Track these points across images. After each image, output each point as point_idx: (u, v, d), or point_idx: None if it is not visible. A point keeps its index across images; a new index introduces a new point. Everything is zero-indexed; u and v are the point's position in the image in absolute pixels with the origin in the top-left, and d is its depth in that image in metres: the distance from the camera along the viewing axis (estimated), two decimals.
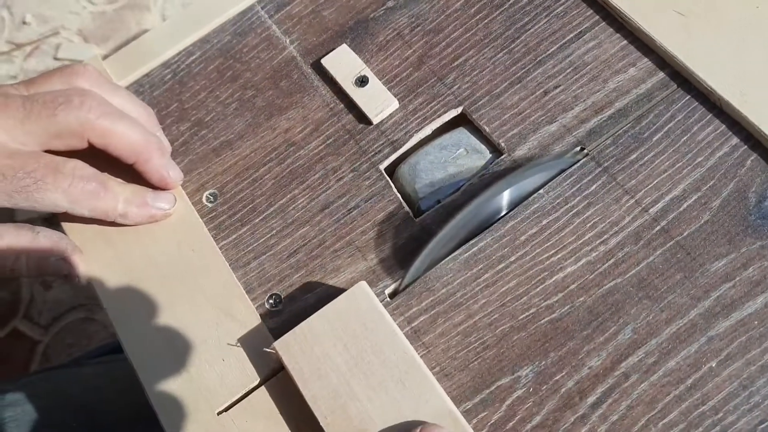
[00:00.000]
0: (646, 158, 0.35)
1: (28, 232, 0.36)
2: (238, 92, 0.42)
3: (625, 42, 0.38)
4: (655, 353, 0.31)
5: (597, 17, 0.39)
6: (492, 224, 0.35)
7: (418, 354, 0.33)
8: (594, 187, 0.35)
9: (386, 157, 0.38)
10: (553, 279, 0.33)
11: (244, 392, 0.34)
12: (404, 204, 0.37)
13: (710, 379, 0.31)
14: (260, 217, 0.38)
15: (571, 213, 0.35)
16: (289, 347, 0.32)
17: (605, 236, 0.34)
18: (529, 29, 0.40)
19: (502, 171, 0.37)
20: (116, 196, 0.37)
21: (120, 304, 0.36)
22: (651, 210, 0.34)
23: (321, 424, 0.31)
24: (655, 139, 0.36)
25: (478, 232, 0.35)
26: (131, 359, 0.35)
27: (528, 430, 0.31)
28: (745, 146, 0.34)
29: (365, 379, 0.31)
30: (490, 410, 0.32)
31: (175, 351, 0.35)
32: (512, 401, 0.32)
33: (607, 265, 0.33)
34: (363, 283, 0.33)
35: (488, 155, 0.38)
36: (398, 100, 0.40)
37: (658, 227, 0.34)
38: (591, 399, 0.31)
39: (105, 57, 0.45)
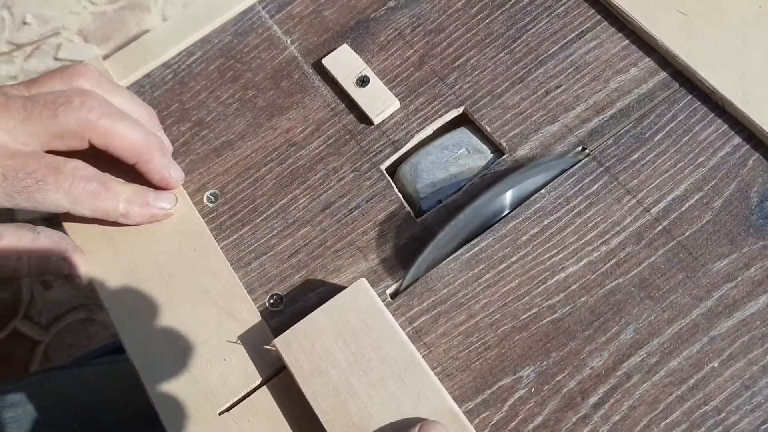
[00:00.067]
0: (647, 158, 0.35)
1: (29, 232, 0.36)
2: (239, 92, 0.42)
3: (626, 42, 0.38)
4: (657, 353, 0.31)
5: (598, 17, 0.39)
6: (493, 224, 0.35)
7: (420, 354, 0.33)
8: (595, 187, 0.35)
9: (387, 157, 0.38)
10: (555, 279, 0.33)
11: (245, 392, 0.34)
12: (405, 204, 0.37)
13: (712, 379, 0.31)
14: (261, 218, 0.38)
15: (572, 213, 0.35)
16: (289, 344, 0.32)
17: (607, 236, 0.34)
18: (531, 29, 0.40)
19: (503, 171, 0.37)
20: (117, 195, 0.37)
21: (121, 304, 0.36)
22: (653, 210, 0.34)
23: (321, 421, 0.31)
24: (656, 138, 0.35)
25: (479, 232, 0.35)
26: (133, 359, 0.35)
27: (530, 431, 0.31)
28: (747, 146, 0.34)
29: (365, 376, 0.31)
30: (491, 410, 0.32)
31: (177, 351, 0.35)
32: (514, 401, 0.32)
33: (608, 265, 0.33)
34: (363, 280, 0.33)
35: (489, 155, 0.38)
36: (399, 100, 0.39)
37: (659, 227, 0.34)
38: (593, 399, 0.31)
39: (105, 57, 0.45)
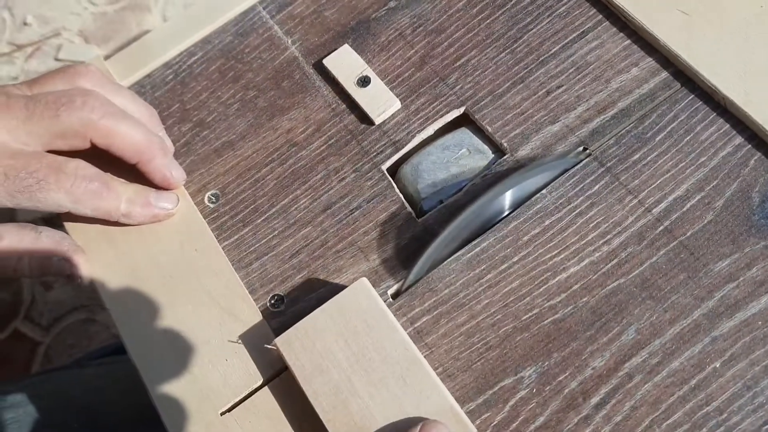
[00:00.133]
0: (649, 158, 0.35)
1: (31, 232, 0.36)
2: (239, 93, 0.42)
3: (628, 42, 0.38)
4: (658, 354, 0.31)
5: (600, 17, 0.39)
6: (495, 224, 0.35)
7: (421, 354, 0.33)
8: (597, 187, 0.35)
9: (388, 157, 0.38)
10: (556, 279, 0.33)
11: (247, 392, 0.34)
12: (406, 204, 0.37)
13: (714, 379, 0.30)
14: (262, 218, 0.38)
15: (573, 213, 0.35)
16: (290, 344, 0.32)
17: (608, 236, 0.34)
18: (532, 29, 0.40)
19: (504, 171, 0.37)
20: (119, 195, 0.37)
21: (123, 305, 0.36)
22: (654, 210, 0.34)
23: (322, 420, 0.30)
24: (658, 139, 0.35)
25: (480, 233, 0.35)
26: (134, 359, 0.35)
27: (531, 431, 0.31)
28: (749, 146, 0.34)
29: (366, 375, 0.31)
30: (493, 411, 0.32)
31: (178, 351, 0.35)
32: (515, 402, 0.32)
33: (610, 265, 0.33)
34: (364, 280, 0.33)
35: (491, 155, 0.38)
36: (400, 100, 0.39)
37: (661, 227, 0.34)
38: (594, 400, 0.31)
39: (106, 58, 0.45)
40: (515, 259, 0.34)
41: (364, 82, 0.40)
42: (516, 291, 0.34)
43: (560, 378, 0.32)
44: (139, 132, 0.37)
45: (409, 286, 0.35)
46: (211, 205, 0.39)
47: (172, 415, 0.33)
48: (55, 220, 0.40)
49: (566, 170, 0.36)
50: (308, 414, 0.31)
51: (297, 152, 0.39)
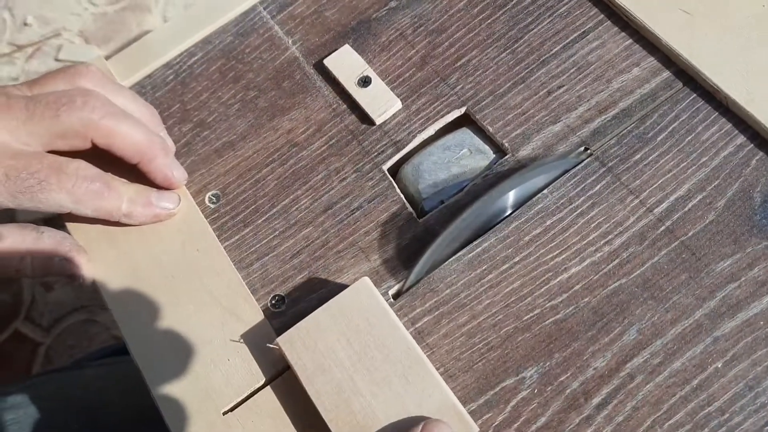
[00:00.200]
0: (650, 158, 0.35)
1: (32, 232, 0.36)
2: (240, 93, 0.42)
3: (629, 41, 0.38)
4: (660, 354, 0.31)
5: (601, 16, 0.39)
6: (496, 225, 0.35)
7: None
8: (598, 187, 0.35)
9: (389, 157, 0.38)
10: (558, 279, 0.33)
11: (249, 392, 0.33)
12: (407, 205, 0.37)
13: (716, 379, 0.30)
14: (263, 218, 0.38)
15: (575, 213, 0.35)
16: (292, 343, 0.32)
17: (610, 236, 0.34)
18: (533, 29, 0.40)
19: (505, 171, 0.37)
20: (120, 195, 0.37)
21: (124, 305, 0.36)
22: (656, 210, 0.34)
23: (324, 419, 0.30)
24: (659, 139, 0.35)
25: (481, 233, 0.35)
26: (136, 359, 0.35)
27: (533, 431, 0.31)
28: (751, 145, 0.34)
29: (369, 374, 0.31)
30: (494, 411, 0.31)
31: (181, 351, 0.35)
32: (517, 402, 0.32)
33: (611, 265, 0.33)
34: (366, 279, 0.33)
35: (492, 155, 0.38)
36: (401, 100, 0.39)
37: (662, 227, 0.34)
38: (596, 400, 0.31)
39: (107, 58, 0.45)
40: (516, 259, 0.34)
41: (364, 82, 0.40)
42: (517, 291, 0.33)
43: (562, 378, 0.32)
44: (140, 132, 0.37)
45: (410, 287, 0.35)
46: (212, 206, 0.39)
47: (174, 415, 0.33)
48: (56, 221, 0.40)
49: (567, 170, 0.36)
50: (310, 414, 0.31)
51: (298, 152, 0.39)
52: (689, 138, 0.35)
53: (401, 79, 0.40)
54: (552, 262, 0.34)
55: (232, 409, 0.33)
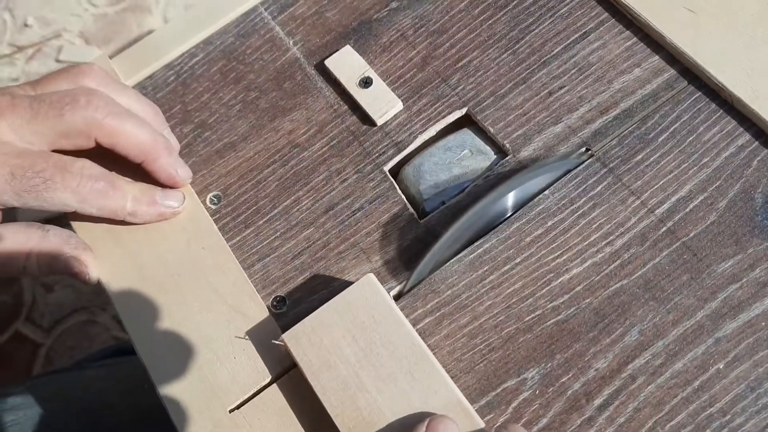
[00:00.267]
0: (651, 159, 0.35)
1: (38, 230, 0.36)
2: (241, 94, 0.42)
3: (630, 42, 0.38)
4: (661, 355, 0.31)
5: (602, 17, 0.39)
6: (497, 226, 0.35)
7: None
8: (599, 188, 0.35)
9: (390, 158, 0.38)
10: (559, 280, 0.33)
11: (255, 390, 0.34)
12: (409, 205, 0.37)
13: (718, 380, 0.30)
14: (264, 219, 0.38)
15: (576, 214, 0.35)
16: (297, 339, 0.32)
17: (611, 237, 0.34)
18: (534, 30, 0.40)
19: (507, 172, 0.37)
20: (125, 194, 0.37)
21: (130, 303, 0.36)
22: (657, 211, 0.34)
23: (330, 415, 0.30)
24: (660, 139, 0.35)
25: (483, 234, 0.35)
26: (142, 358, 0.35)
27: None
28: (753, 146, 0.34)
29: (374, 370, 0.31)
30: (496, 412, 0.31)
31: (186, 349, 0.35)
32: (518, 403, 0.31)
33: (613, 266, 0.33)
34: (371, 275, 0.33)
35: (493, 156, 0.38)
36: (402, 101, 0.39)
37: (664, 228, 0.34)
38: (598, 401, 0.31)
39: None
40: (518, 260, 0.34)
41: (365, 83, 0.40)
42: (519, 292, 0.33)
43: (563, 379, 0.32)
44: (143, 131, 0.37)
45: (412, 288, 0.35)
46: (213, 207, 0.39)
47: (180, 413, 0.33)
48: (59, 222, 0.40)
49: (569, 171, 0.36)
50: (317, 411, 0.31)
51: (299, 153, 0.39)
52: (690, 139, 0.35)
53: (402, 79, 0.40)
54: (553, 263, 0.34)
55: (238, 407, 0.33)
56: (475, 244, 0.35)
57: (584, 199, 0.35)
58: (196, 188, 0.40)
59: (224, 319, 0.35)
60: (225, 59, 0.43)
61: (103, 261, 0.38)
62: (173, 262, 0.37)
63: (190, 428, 0.33)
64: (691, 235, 0.33)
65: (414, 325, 0.34)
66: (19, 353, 0.91)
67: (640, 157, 0.35)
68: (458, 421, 0.29)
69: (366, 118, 0.39)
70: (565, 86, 0.38)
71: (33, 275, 0.36)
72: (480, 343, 0.33)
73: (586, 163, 0.36)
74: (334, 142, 0.39)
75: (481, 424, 0.30)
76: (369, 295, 0.33)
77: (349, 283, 0.34)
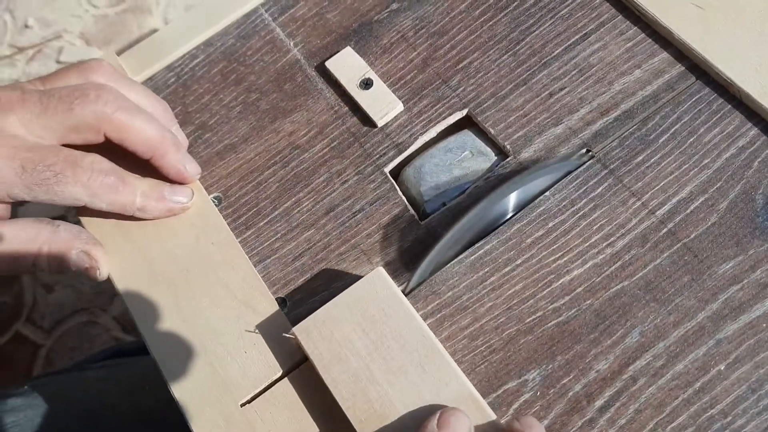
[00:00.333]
0: (652, 160, 0.35)
1: (48, 225, 0.36)
2: (242, 95, 0.42)
3: (630, 44, 0.38)
4: (663, 356, 0.31)
5: (602, 19, 0.39)
6: (498, 227, 0.35)
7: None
8: (600, 189, 0.35)
9: (391, 159, 0.38)
10: (560, 282, 0.33)
11: (267, 384, 0.34)
12: (409, 207, 0.37)
13: (719, 382, 0.30)
14: (265, 221, 0.38)
15: (577, 215, 0.35)
16: (308, 332, 0.32)
17: (612, 239, 0.34)
18: (534, 31, 0.40)
19: (507, 173, 0.37)
20: (134, 189, 0.37)
21: (140, 299, 0.36)
22: (658, 212, 0.34)
23: (342, 407, 0.31)
24: (661, 141, 0.35)
25: (483, 235, 0.35)
26: (153, 353, 0.35)
27: None
28: (753, 147, 0.34)
29: (385, 363, 0.31)
30: (497, 414, 0.31)
31: (197, 344, 0.35)
32: (519, 405, 0.31)
33: (613, 267, 0.33)
34: (380, 269, 0.33)
35: (493, 158, 0.38)
36: (403, 102, 0.39)
37: (665, 229, 0.34)
38: (599, 403, 0.31)
39: None
40: (518, 261, 0.34)
41: (366, 84, 0.40)
42: (519, 294, 0.33)
43: (564, 381, 0.31)
44: (152, 127, 0.37)
45: (412, 289, 0.35)
46: None
47: (191, 408, 0.33)
48: (65, 220, 0.40)
49: (569, 172, 0.36)
50: (327, 405, 0.32)
51: (299, 155, 0.39)
52: (691, 140, 0.35)
53: (403, 81, 0.40)
54: (554, 265, 0.34)
55: (249, 401, 0.33)
56: (476, 245, 0.35)
57: (585, 200, 0.35)
58: None
59: (234, 314, 0.35)
60: (225, 61, 0.43)
61: (113, 257, 0.38)
62: (182, 257, 0.37)
63: (201, 423, 0.33)
64: (692, 236, 0.33)
65: None
66: (19, 354, 0.91)
67: (640, 158, 0.35)
68: (470, 414, 0.29)
69: (367, 120, 0.39)
70: (565, 87, 0.38)
71: (43, 271, 0.36)
72: (481, 345, 0.33)
73: (587, 164, 0.36)
74: (335, 143, 0.39)
75: (493, 416, 0.30)
76: (379, 288, 0.33)
77: (350, 283, 0.34)
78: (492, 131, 0.38)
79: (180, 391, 0.34)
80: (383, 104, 0.39)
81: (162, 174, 0.38)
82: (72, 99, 0.35)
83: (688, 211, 0.34)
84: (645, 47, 0.38)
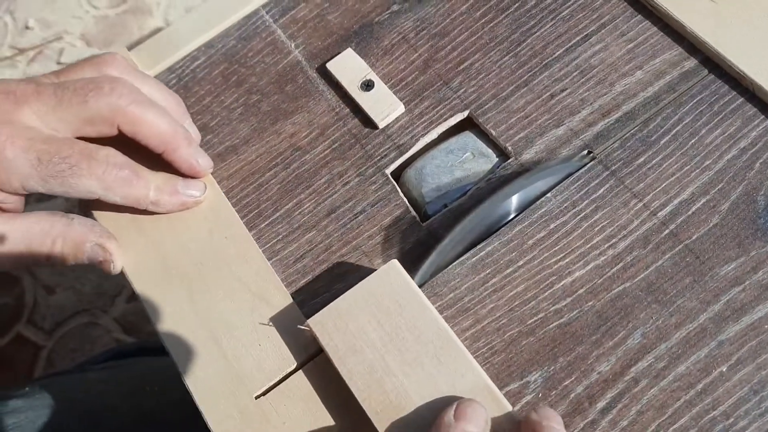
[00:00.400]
0: (653, 161, 0.35)
1: (62, 218, 0.36)
2: (243, 97, 0.42)
3: (631, 45, 0.38)
4: (664, 358, 0.31)
5: (604, 20, 0.39)
6: (499, 228, 0.35)
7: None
8: (602, 190, 0.35)
9: (392, 161, 0.38)
10: (562, 283, 0.33)
11: (281, 376, 0.34)
12: (411, 208, 0.37)
13: (721, 383, 0.30)
14: (266, 222, 0.38)
15: (578, 217, 0.35)
16: (323, 324, 0.32)
17: (613, 240, 0.34)
18: (535, 32, 0.40)
19: (509, 175, 0.37)
20: (148, 183, 0.37)
21: (154, 293, 0.36)
22: (659, 213, 0.34)
23: (357, 398, 0.31)
24: (662, 142, 0.35)
25: (485, 237, 0.35)
26: (167, 346, 0.35)
27: None
28: (754, 148, 0.34)
29: (400, 355, 0.31)
30: None
31: (211, 337, 0.35)
32: (521, 407, 0.31)
33: (615, 269, 0.33)
34: (395, 261, 0.33)
35: (495, 159, 0.38)
36: (404, 104, 0.39)
37: (666, 231, 0.33)
38: (601, 404, 0.31)
39: None
40: (520, 263, 0.34)
41: (367, 85, 0.40)
42: (521, 295, 0.33)
43: (566, 382, 0.31)
44: (164, 121, 0.37)
45: None
46: None
47: (206, 400, 0.33)
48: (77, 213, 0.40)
49: (571, 174, 0.36)
50: (342, 397, 0.32)
51: (301, 156, 0.39)
52: (693, 141, 0.35)
53: (404, 82, 0.40)
54: (556, 266, 0.34)
55: (264, 393, 0.33)
56: (478, 247, 0.35)
57: (586, 201, 0.35)
58: None
59: (248, 307, 0.35)
60: (227, 62, 0.43)
61: (127, 251, 0.38)
62: (196, 251, 0.37)
63: (216, 415, 0.33)
64: (694, 237, 0.33)
65: None
66: (20, 355, 0.91)
67: (642, 159, 0.35)
68: (486, 405, 0.29)
69: (368, 121, 0.39)
70: (566, 89, 0.38)
71: (57, 264, 0.36)
72: (483, 346, 0.33)
73: (588, 165, 0.36)
74: (336, 145, 0.39)
75: (509, 408, 0.30)
76: (393, 280, 0.33)
77: (352, 285, 0.34)
78: (493, 133, 0.38)
79: (194, 383, 0.34)
80: (384, 106, 0.39)
81: (174, 168, 0.38)
82: (87, 91, 0.35)
83: (690, 212, 0.34)
84: (652, 44, 0.38)
